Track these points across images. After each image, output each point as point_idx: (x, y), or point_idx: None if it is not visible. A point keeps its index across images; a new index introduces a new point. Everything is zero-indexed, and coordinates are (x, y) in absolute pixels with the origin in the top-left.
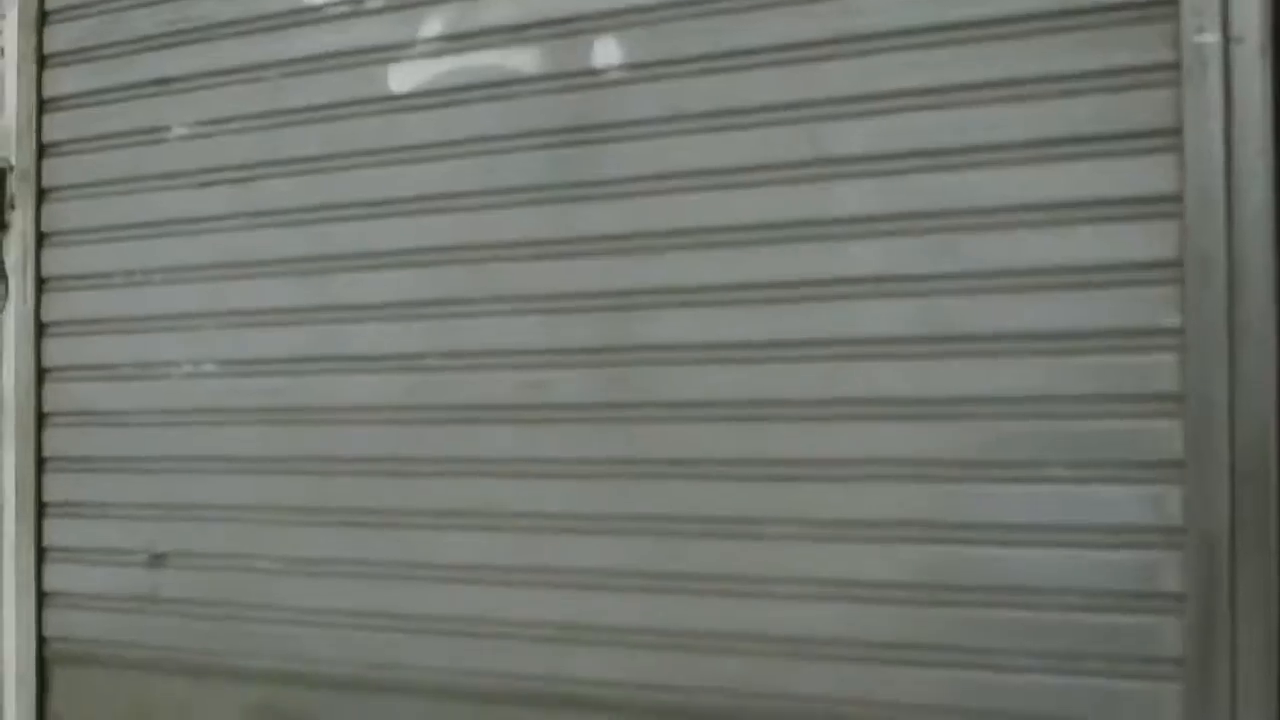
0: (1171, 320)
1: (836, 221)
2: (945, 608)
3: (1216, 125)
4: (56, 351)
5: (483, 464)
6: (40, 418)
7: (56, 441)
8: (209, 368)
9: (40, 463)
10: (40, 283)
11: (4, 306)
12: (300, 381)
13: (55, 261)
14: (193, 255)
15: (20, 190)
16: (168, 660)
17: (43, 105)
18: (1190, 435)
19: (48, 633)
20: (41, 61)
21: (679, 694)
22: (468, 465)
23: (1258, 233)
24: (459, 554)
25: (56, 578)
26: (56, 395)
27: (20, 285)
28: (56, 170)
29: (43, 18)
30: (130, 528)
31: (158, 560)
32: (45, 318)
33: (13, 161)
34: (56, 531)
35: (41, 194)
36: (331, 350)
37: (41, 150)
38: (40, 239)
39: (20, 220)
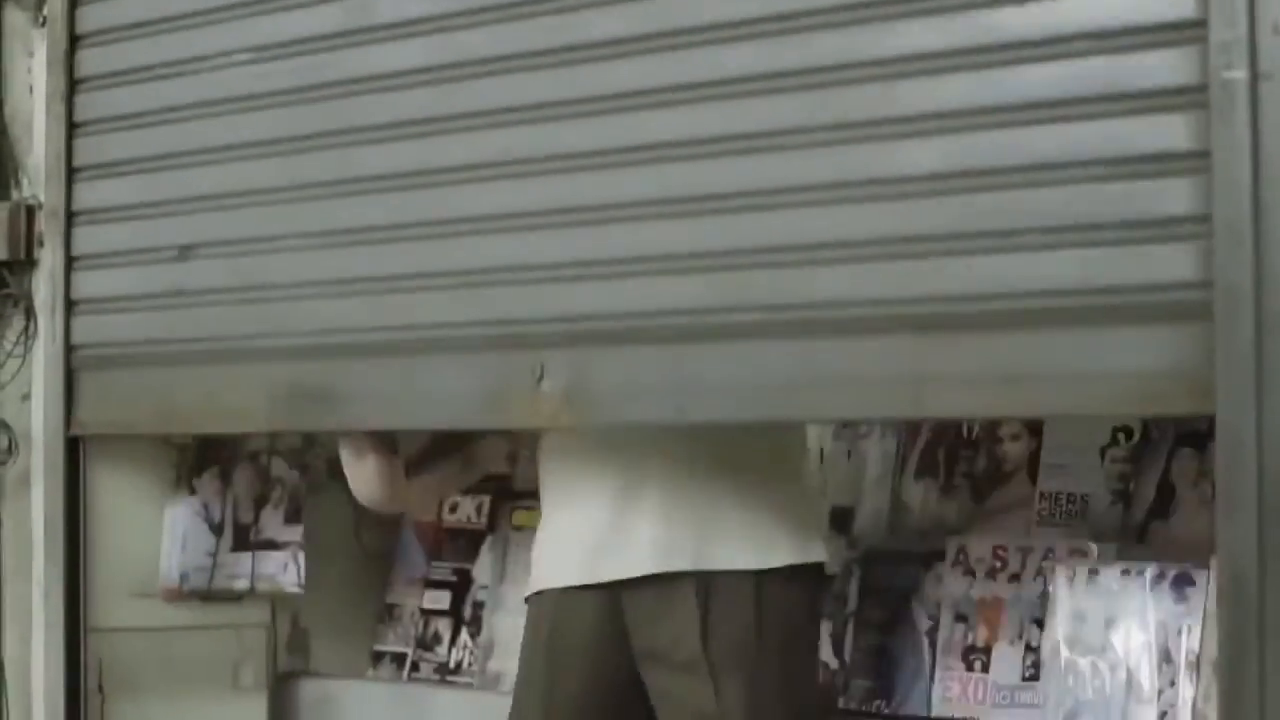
0: None
1: None
2: (981, 193)
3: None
4: (86, 62)
5: (505, 113)
6: (70, 128)
7: (86, 150)
8: (240, 57)
9: (70, 173)
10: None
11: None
12: (329, 57)
13: None
14: None
15: None
16: (193, 353)
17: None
18: None
19: (75, 340)
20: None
21: (716, 315)
22: (490, 118)
23: None
24: (485, 205)
25: (84, 285)
26: (86, 105)
27: None
28: None
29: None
30: (158, 225)
31: (185, 253)
32: (79, 29)
33: None
34: (84, 240)
35: None
36: (359, 23)
37: None
38: None
39: None
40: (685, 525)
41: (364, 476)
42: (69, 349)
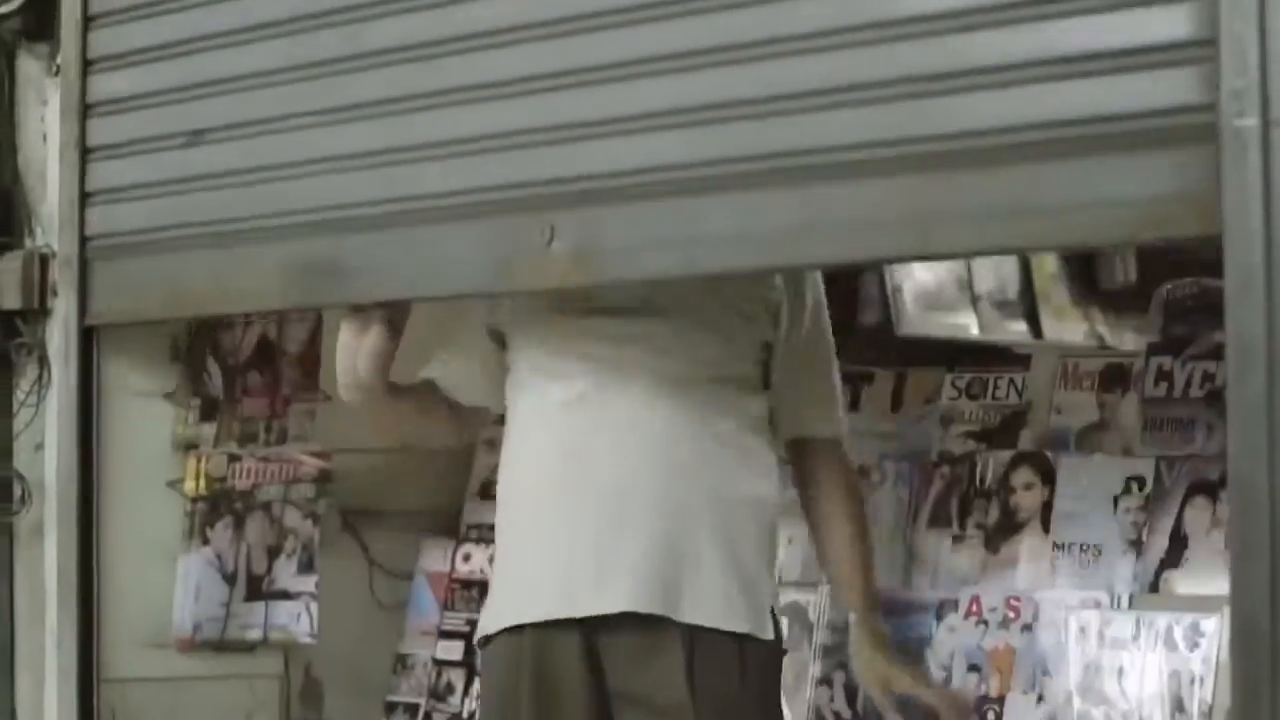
0: None
1: None
2: (979, 31)
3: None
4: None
5: None
6: (86, 20)
7: (101, 41)
8: None
9: (85, 65)
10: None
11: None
12: None
13: None
14: None
15: None
16: (204, 236)
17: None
18: None
19: (89, 232)
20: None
21: (722, 166)
22: None
23: None
24: (487, 73)
25: (98, 176)
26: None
27: None
28: None
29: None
30: (170, 112)
31: (196, 138)
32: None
33: None
34: (99, 131)
35: None
36: None
37: None
38: None
39: None
40: (670, 572)
41: (360, 352)
42: (83, 240)
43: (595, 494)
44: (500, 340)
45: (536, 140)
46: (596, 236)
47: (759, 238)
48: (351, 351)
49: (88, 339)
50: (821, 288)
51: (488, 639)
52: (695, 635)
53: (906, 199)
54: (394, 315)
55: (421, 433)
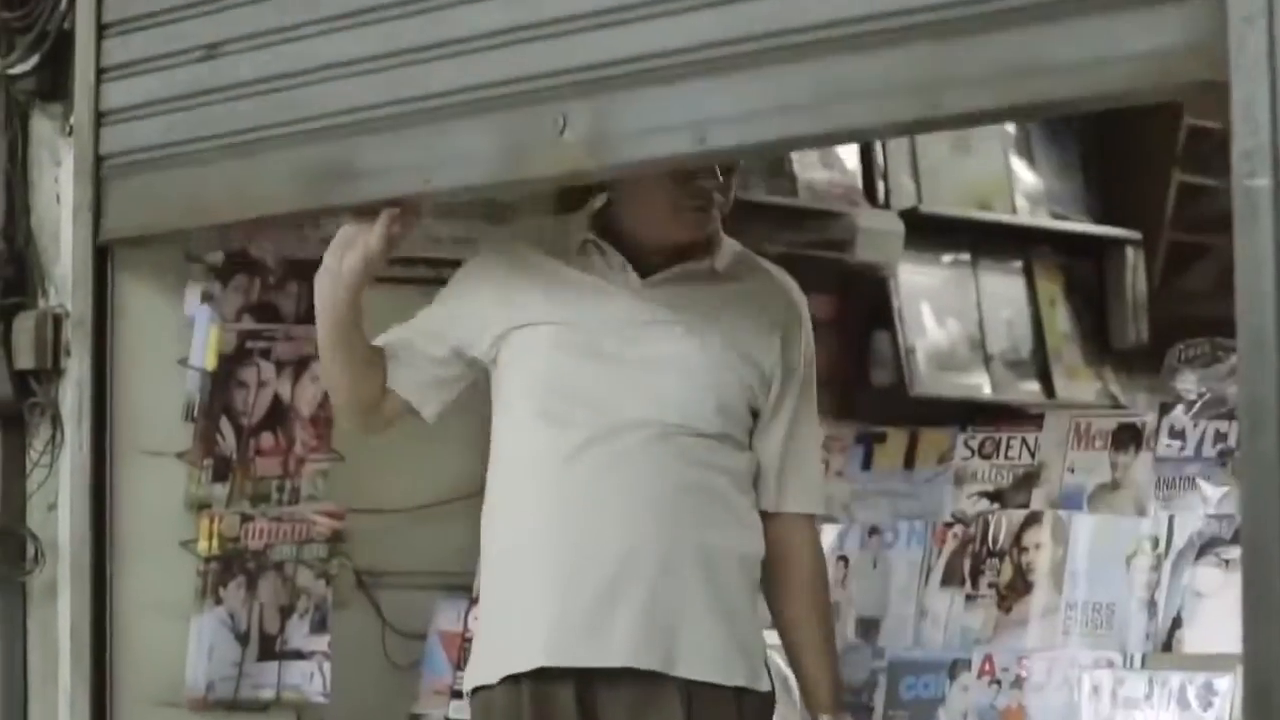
0: None
1: None
2: None
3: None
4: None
5: None
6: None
7: (113, 94)
8: None
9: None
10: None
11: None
12: None
13: None
14: None
15: None
16: (218, 149)
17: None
18: None
19: (104, 150)
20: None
21: (731, 46)
22: None
23: None
24: None
25: (113, 95)
26: None
27: None
28: None
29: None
30: (185, 28)
31: (211, 52)
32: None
33: None
34: (114, 50)
35: None
36: None
37: None
38: None
39: None
40: (667, 627)
41: (354, 246)
42: (98, 160)
43: (594, 547)
44: (477, 365)
45: (546, 32)
46: (608, 122)
47: (769, 115)
48: (346, 243)
49: (101, 259)
50: (813, 366)
51: (480, 689)
52: (693, 689)
53: (916, 67)
54: (397, 225)
55: (348, 387)
